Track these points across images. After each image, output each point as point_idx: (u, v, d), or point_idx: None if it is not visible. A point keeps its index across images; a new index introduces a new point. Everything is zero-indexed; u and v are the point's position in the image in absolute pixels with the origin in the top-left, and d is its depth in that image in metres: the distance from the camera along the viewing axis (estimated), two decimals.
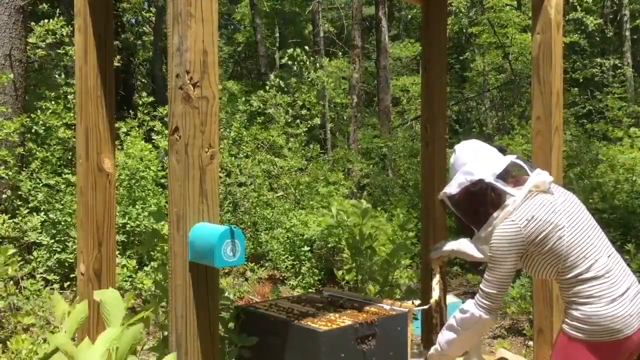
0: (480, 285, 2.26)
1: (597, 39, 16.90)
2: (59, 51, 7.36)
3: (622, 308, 2.12)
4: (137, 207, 6.71)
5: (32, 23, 6.90)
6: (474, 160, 2.31)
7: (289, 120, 9.59)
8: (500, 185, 2.24)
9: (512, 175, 2.30)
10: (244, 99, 9.42)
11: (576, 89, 14.08)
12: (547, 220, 2.15)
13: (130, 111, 9.26)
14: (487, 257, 2.27)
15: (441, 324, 3.17)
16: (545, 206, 2.19)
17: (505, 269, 2.19)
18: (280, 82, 9.78)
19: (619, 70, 14.91)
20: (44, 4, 7.82)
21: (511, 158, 2.33)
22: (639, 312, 2.16)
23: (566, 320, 2.21)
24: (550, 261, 2.19)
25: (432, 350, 2.46)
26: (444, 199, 2.41)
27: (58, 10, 8.20)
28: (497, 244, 2.18)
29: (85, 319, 2.09)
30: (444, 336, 2.38)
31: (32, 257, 5.71)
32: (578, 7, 12.48)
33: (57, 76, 7.46)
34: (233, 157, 8.56)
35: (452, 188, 2.32)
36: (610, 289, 2.14)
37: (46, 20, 7.09)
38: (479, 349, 2.89)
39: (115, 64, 2.95)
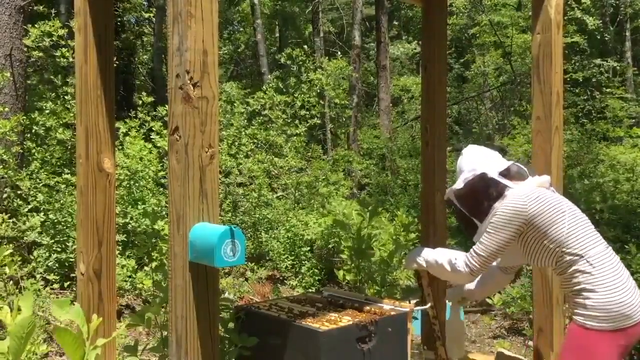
0: (474, 247, 2.41)
1: (597, 38, 16.89)
2: (54, 53, 7.33)
3: (629, 295, 2.20)
4: (139, 207, 6.69)
5: (29, 25, 6.86)
6: (478, 159, 2.53)
7: (288, 121, 9.57)
8: (501, 180, 2.44)
9: (512, 175, 2.48)
10: (242, 100, 9.40)
11: (577, 88, 14.07)
12: (551, 203, 2.32)
13: (131, 110, 9.24)
14: (484, 231, 2.40)
15: (440, 329, 3.14)
16: (549, 193, 2.40)
17: (502, 238, 2.34)
18: (279, 83, 9.76)
19: (620, 70, 14.91)
20: (40, 6, 7.76)
21: (512, 162, 2.55)
22: (639, 303, 2.24)
23: (577, 311, 2.24)
24: (549, 245, 2.30)
25: (423, 254, 2.70)
26: (450, 197, 2.59)
27: (53, 10, 8.14)
28: (501, 213, 2.34)
29: (31, 332, 1.82)
30: (436, 256, 2.61)
31: (32, 257, 5.70)
32: (576, 8, 12.47)
33: (52, 77, 7.43)
34: (233, 157, 8.54)
35: (458, 184, 2.54)
36: (616, 277, 2.22)
37: (42, 22, 7.06)
38: (462, 339, 2.91)
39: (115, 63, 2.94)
